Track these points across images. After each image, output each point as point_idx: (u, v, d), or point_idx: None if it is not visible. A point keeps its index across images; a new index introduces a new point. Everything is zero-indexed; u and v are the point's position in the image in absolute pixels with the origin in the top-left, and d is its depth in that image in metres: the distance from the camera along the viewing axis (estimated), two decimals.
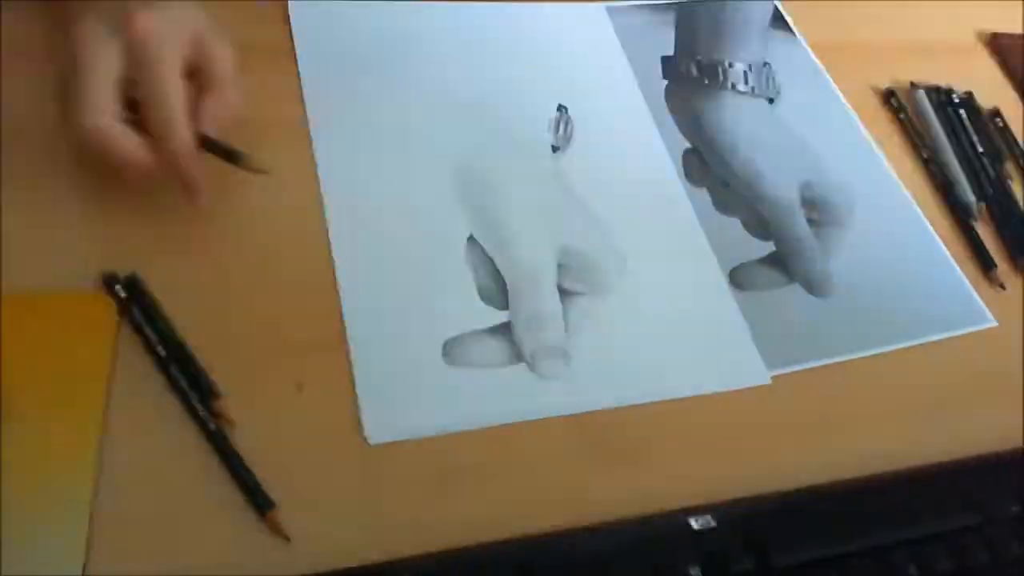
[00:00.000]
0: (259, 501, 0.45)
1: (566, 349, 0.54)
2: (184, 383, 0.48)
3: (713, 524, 0.48)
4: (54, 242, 0.51)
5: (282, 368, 0.50)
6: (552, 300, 0.56)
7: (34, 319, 0.48)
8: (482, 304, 0.55)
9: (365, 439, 0.49)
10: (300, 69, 0.61)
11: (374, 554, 0.45)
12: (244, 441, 0.47)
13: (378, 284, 0.54)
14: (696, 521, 0.48)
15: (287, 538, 0.45)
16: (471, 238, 0.57)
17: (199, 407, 0.47)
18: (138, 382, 0.48)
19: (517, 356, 0.53)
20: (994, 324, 0.63)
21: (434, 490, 0.48)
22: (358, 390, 0.50)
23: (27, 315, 0.47)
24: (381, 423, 0.49)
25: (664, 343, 0.56)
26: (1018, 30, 0.82)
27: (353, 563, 0.44)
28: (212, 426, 0.47)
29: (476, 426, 0.50)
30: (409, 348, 0.52)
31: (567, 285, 0.57)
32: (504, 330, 0.54)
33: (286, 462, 0.47)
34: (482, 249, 0.57)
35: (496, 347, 0.53)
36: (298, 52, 0.62)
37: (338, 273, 0.54)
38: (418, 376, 0.51)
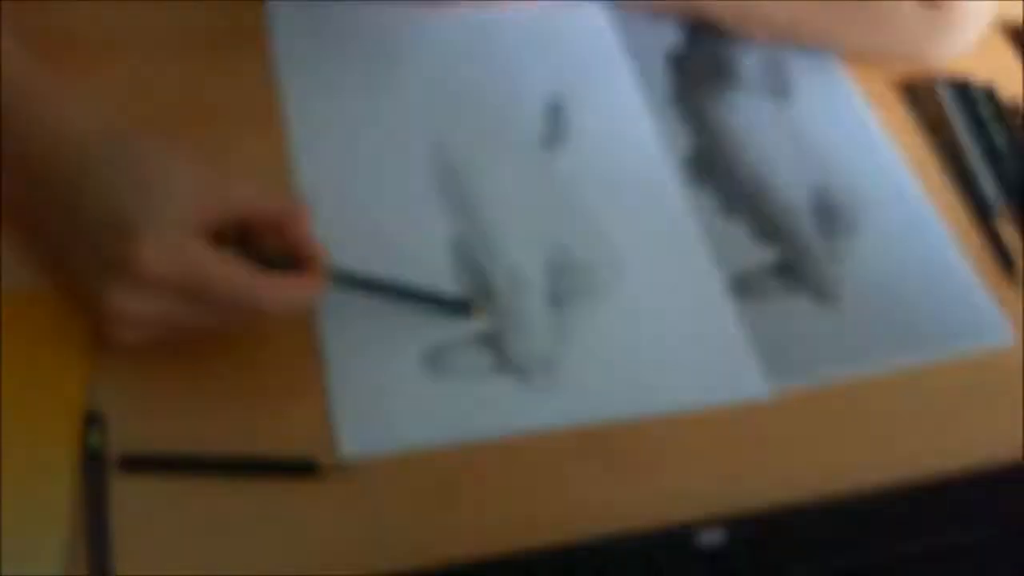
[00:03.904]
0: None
1: (556, 358, 0.53)
2: None
3: (722, 539, 0.48)
4: None
5: (269, 379, 0.50)
6: (542, 306, 0.54)
7: (34, 319, 0.48)
8: None
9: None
10: (278, 60, 0.61)
11: (369, 569, 0.45)
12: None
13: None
14: (704, 536, 0.48)
15: None
16: (457, 240, 0.56)
17: None
18: None
19: (504, 366, 0.52)
20: (1014, 341, 0.60)
21: (433, 504, 0.48)
22: (334, 402, 0.49)
23: (27, 315, 0.48)
24: (358, 436, 0.48)
25: (657, 353, 0.55)
26: None
27: None
28: None
29: (459, 440, 0.49)
30: (389, 357, 0.51)
31: (558, 290, 0.56)
32: (491, 338, 0.53)
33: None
34: (468, 252, 0.56)
35: (482, 356, 0.52)
36: (276, 43, 0.62)
37: None
38: (398, 387, 0.50)
